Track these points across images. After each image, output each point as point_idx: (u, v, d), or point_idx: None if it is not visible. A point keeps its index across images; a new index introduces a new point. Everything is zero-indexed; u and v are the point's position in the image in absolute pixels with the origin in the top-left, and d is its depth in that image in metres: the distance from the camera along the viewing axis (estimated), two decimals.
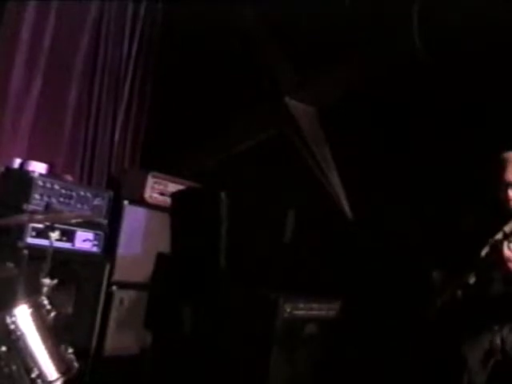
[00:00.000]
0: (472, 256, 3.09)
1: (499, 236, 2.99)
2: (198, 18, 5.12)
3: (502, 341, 3.06)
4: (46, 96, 4.67)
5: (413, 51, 4.32)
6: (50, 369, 2.76)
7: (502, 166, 3.12)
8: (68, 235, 4.09)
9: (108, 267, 4.37)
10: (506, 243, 2.93)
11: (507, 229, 3.01)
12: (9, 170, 4.17)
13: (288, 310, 3.81)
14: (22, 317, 2.73)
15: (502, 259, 2.92)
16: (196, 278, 4.09)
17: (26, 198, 3.88)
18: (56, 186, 4.07)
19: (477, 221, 3.26)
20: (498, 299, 3.06)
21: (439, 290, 3.19)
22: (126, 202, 4.53)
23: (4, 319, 2.67)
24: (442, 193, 4.10)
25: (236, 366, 3.78)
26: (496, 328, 3.07)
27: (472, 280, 3.05)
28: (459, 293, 3.08)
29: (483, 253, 3.07)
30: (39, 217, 3.32)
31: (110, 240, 4.42)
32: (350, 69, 4.78)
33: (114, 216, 4.45)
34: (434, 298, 3.19)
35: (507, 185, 3.09)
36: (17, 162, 4.22)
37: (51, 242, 3.22)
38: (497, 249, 2.95)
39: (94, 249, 4.32)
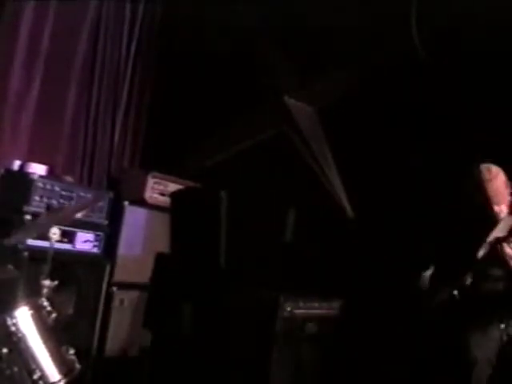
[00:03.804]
0: (465, 256, 3.15)
1: (499, 235, 3.05)
2: (197, 18, 5.12)
3: (508, 337, 3.10)
4: (45, 96, 4.66)
5: (412, 51, 4.33)
6: (51, 370, 2.76)
7: (479, 185, 3.23)
8: (68, 236, 4.09)
9: (108, 268, 4.37)
10: (505, 244, 3.01)
11: (502, 228, 3.08)
12: (8, 171, 4.16)
13: (288, 309, 3.82)
14: (23, 318, 2.73)
15: (505, 258, 3.01)
16: (196, 278, 4.09)
17: (26, 200, 3.88)
18: (56, 188, 4.06)
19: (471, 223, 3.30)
20: (501, 296, 3.10)
21: (434, 290, 3.24)
22: (126, 203, 4.53)
23: (5, 321, 2.67)
24: (441, 191, 4.10)
25: (236, 366, 3.78)
26: (502, 325, 3.11)
27: (468, 281, 3.10)
28: (455, 293, 3.13)
29: (480, 254, 3.12)
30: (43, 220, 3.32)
31: (110, 241, 4.41)
32: (349, 69, 4.79)
33: (115, 217, 4.45)
34: (429, 298, 3.23)
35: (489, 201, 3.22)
36: (16, 163, 4.22)
37: (51, 244, 3.22)
38: (497, 249, 3.02)
39: (95, 250, 4.32)
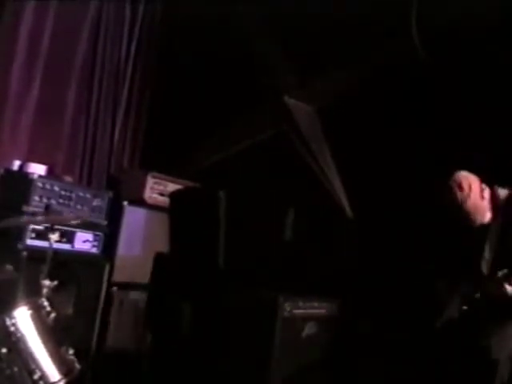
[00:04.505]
0: (469, 266, 3.14)
1: (500, 274, 3.04)
2: (197, 18, 5.12)
3: None
4: (45, 97, 4.67)
5: (412, 51, 4.33)
6: (51, 370, 2.77)
7: (456, 201, 3.19)
8: (68, 236, 4.09)
9: (108, 268, 4.37)
10: (506, 283, 3.02)
11: (492, 239, 3.11)
12: (8, 171, 4.17)
13: (288, 309, 3.81)
14: (22, 319, 2.74)
15: (505, 295, 3.02)
16: (195, 278, 4.09)
17: (26, 200, 3.88)
18: (55, 188, 4.07)
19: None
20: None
21: (444, 302, 3.23)
22: (125, 203, 4.53)
23: (4, 321, 2.67)
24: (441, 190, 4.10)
25: (236, 366, 3.78)
26: None
27: (477, 295, 3.09)
28: (465, 307, 3.12)
29: (483, 268, 3.11)
30: (39, 218, 3.32)
31: (109, 241, 4.42)
32: (349, 69, 4.79)
33: (114, 217, 4.45)
34: (440, 309, 3.22)
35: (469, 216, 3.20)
36: (16, 163, 4.23)
37: (51, 244, 3.23)
38: (498, 287, 3.01)
39: (94, 250, 4.32)
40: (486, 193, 3.24)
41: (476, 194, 3.20)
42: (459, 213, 3.20)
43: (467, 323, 3.17)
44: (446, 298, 3.26)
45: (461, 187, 3.19)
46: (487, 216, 3.24)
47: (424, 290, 3.58)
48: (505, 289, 3.02)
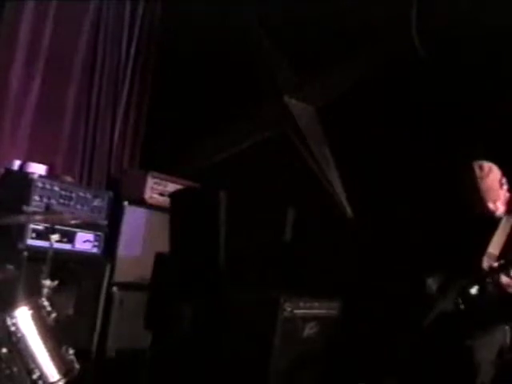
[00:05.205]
0: (468, 263, 3.14)
1: (496, 264, 3.08)
2: (197, 18, 5.12)
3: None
4: (45, 97, 4.67)
5: (411, 50, 4.34)
6: (51, 370, 2.77)
7: (474, 180, 3.20)
8: (68, 236, 4.09)
9: (108, 268, 4.38)
10: (503, 273, 3.04)
11: (501, 233, 3.09)
12: (8, 171, 4.17)
13: (288, 309, 3.80)
14: (23, 318, 2.73)
15: (501, 286, 3.04)
16: (196, 278, 4.09)
17: (26, 200, 3.89)
18: (55, 188, 4.07)
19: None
20: (506, 298, 3.08)
21: (437, 297, 3.23)
22: (125, 203, 4.53)
23: (4, 321, 2.67)
24: (441, 191, 4.10)
25: (236, 366, 3.78)
26: (506, 328, 3.11)
27: (474, 290, 3.09)
28: (460, 300, 3.12)
29: (485, 264, 3.11)
30: (39, 217, 3.32)
31: (110, 241, 4.42)
32: (349, 69, 4.79)
33: (114, 217, 4.46)
34: (432, 305, 3.22)
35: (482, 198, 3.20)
36: (16, 163, 4.23)
37: (51, 244, 3.23)
38: (494, 277, 3.02)
39: (94, 250, 4.33)
40: (505, 186, 3.26)
41: (495, 178, 3.23)
42: (474, 193, 3.20)
43: (456, 321, 3.16)
44: (436, 296, 3.26)
45: (481, 167, 3.24)
46: (500, 207, 3.24)
47: (417, 288, 3.58)
48: (500, 278, 3.04)
